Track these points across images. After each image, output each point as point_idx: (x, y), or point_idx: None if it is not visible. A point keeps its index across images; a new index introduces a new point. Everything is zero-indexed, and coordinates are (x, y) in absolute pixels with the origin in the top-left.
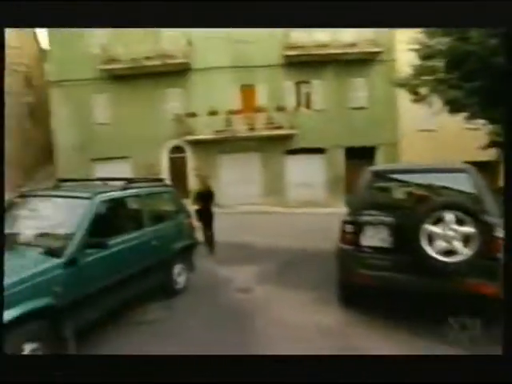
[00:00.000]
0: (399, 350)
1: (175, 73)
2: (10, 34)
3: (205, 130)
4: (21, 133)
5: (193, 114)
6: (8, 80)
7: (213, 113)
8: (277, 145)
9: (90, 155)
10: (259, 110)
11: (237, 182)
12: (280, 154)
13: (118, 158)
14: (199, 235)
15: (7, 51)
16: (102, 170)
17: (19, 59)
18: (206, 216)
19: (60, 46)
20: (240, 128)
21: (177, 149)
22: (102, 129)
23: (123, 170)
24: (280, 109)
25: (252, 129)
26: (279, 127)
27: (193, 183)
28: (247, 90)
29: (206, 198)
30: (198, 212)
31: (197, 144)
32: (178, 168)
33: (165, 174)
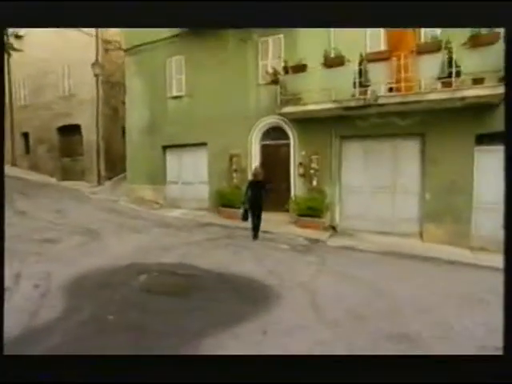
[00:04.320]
0: None
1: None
2: None
3: (320, 97)
4: (116, 121)
5: (300, 68)
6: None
7: (335, 62)
8: (460, 121)
9: (161, 141)
10: (424, 49)
11: (371, 193)
12: (465, 142)
13: (192, 145)
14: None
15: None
16: (174, 162)
17: (114, 37)
18: (256, 204)
19: None
20: (384, 89)
21: (273, 130)
22: (176, 104)
23: (199, 161)
24: (476, 42)
25: (409, 89)
26: (476, 81)
27: (298, 186)
28: None
29: (258, 186)
30: (249, 199)
31: (305, 122)
32: (274, 160)
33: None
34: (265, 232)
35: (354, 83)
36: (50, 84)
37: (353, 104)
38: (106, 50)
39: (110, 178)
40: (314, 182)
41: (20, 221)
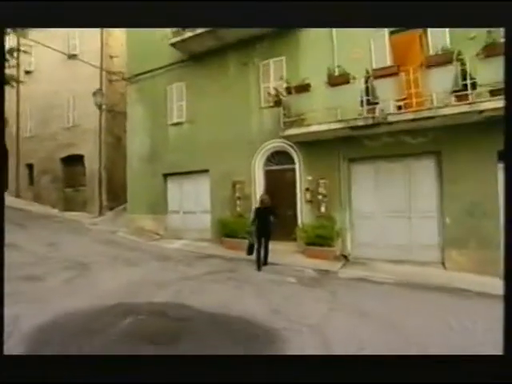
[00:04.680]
0: None
1: (276, 32)
2: (112, 44)
3: (326, 117)
4: (119, 150)
5: (303, 88)
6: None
7: (340, 80)
8: (480, 136)
9: (162, 169)
10: (435, 62)
11: (384, 218)
12: (486, 159)
13: (193, 172)
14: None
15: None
16: (175, 190)
17: (119, 68)
18: (263, 232)
19: (137, 36)
20: (393, 107)
21: (277, 155)
22: (176, 131)
23: (201, 188)
24: (490, 52)
25: (420, 105)
26: (494, 93)
27: (306, 213)
28: (404, 38)
29: (265, 212)
30: (257, 228)
31: (310, 145)
32: (279, 186)
33: (258, 197)
34: (270, 264)
35: (361, 101)
36: (56, 115)
37: (360, 123)
38: (110, 81)
39: (111, 209)
40: (323, 209)
41: (9, 254)
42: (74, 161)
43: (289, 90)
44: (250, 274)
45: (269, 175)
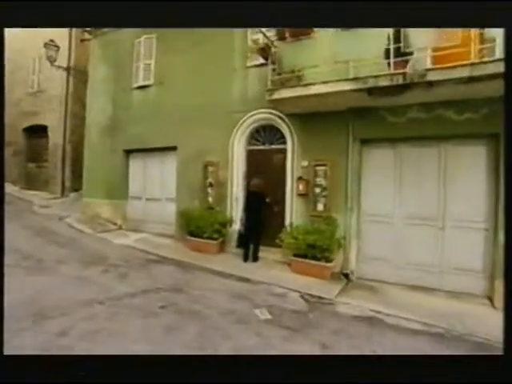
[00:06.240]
0: None
1: None
2: None
3: (332, 74)
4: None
5: (302, 30)
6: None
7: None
8: None
9: (123, 144)
10: None
11: (406, 225)
12: None
13: (159, 149)
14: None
15: None
16: (138, 171)
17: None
18: (253, 221)
19: None
20: (428, 58)
21: (264, 130)
22: (142, 96)
23: (167, 170)
24: None
25: (480, 56)
26: None
27: (297, 211)
28: None
29: (257, 198)
30: (247, 215)
31: (308, 118)
32: (264, 172)
33: (239, 182)
34: (240, 279)
35: (387, 51)
36: (21, 79)
37: (384, 83)
38: (82, 40)
39: (76, 190)
40: (320, 206)
41: None
42: (38, 132)
43: (282, 35)
44: (204, 297)
45: (251, 157)
